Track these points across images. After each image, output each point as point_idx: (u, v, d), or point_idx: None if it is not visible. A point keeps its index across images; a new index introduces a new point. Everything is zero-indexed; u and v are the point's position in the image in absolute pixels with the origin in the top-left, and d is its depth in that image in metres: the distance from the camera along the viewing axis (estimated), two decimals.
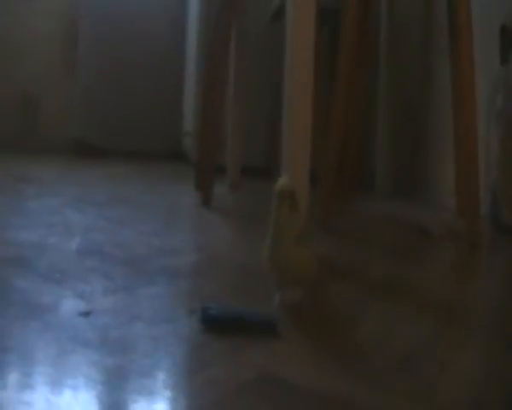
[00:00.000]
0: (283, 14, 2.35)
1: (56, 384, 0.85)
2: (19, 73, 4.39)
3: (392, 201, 2.95)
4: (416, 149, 3.17)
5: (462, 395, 0.90)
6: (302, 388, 0.89)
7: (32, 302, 1.16)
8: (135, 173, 3.29)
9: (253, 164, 3.36)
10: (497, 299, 1.45)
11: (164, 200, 2.45)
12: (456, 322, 1.24)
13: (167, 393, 0.85)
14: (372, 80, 3.21)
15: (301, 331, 1.13)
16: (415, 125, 3.21)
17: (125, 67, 4.32)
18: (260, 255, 1.25)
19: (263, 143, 3.44)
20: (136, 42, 4.33)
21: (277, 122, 3.34)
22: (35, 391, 0.82)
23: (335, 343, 1.08)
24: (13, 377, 0.86)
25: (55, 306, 1.15)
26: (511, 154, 2.29)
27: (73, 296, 1.21)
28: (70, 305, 1.16)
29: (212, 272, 1.45)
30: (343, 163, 2.42)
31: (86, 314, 1.12)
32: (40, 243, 1.62)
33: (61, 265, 1.42)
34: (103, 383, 0.86)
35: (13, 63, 4.39)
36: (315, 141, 2.32)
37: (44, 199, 2.30)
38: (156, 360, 0.95)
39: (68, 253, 1.54)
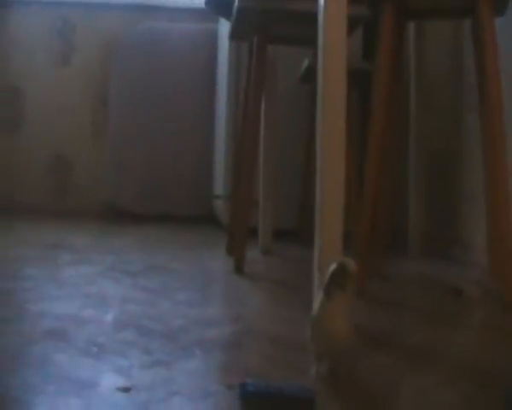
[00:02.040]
0: (313, 75, 2.37)
1: None
2: (52, 136, 4.47)
3: (426, 261, 2.94)
4: (448, 208, 3.17)
5: None
6: None
7: (71, 377, 1.16)
8: (167, 239, 3.31)
9: (285, 227, 3.37)
10: None
11: (197, 267, 2.46)
12: (494, 390, 1.23)
13: None
14: (403, 136, 3.23)
15: (338, 403, 1.13)
16: (446, 182, 3.21)
17: (154, 130, 4.38)
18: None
19: (294, 205, 3.45)
20: (165, 104, 4.39)
21: (309, 185, 3.36)
22: None
23: None
24: None
25: (95, 381, 1.15)
26: None
27: (112, 371, 1.21)
28: (109, 380, 1.17)
29: (249, 345, 1.45)
30: (376, 225, 2.42)
31: (126, 390, 1.12)
32: (76, 315, 1.63)
33: (99, 338, 1.43)
34: None
35: (46, 127, 4.47)
36: (348, 204, 2.33)
37: (78, 268, 2.32)
38: None
39: (105, 325, 1.54)
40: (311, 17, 1.81)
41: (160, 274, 2.27)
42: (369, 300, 2.03)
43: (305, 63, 3.04)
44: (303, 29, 2.57)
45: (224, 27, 3.69)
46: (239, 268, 2.37)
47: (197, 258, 2.68)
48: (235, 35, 2.76)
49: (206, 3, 3.02)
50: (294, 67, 3.41)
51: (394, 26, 2.18)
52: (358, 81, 3.15)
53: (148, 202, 4.33)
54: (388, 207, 2.53)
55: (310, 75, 3.06)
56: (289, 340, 1.51)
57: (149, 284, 2.07)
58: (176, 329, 1.54)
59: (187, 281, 2.17)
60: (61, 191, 4.51)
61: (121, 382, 1.16)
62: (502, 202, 2.02)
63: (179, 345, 1.40)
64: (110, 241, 3.10)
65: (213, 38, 4.39)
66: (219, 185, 3.75)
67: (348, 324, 1.24)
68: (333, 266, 1.24)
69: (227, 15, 2.86)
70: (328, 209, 1.70)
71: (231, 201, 2.92)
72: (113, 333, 1.48)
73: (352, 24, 2.44)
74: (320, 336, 1.23)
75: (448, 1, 2.28)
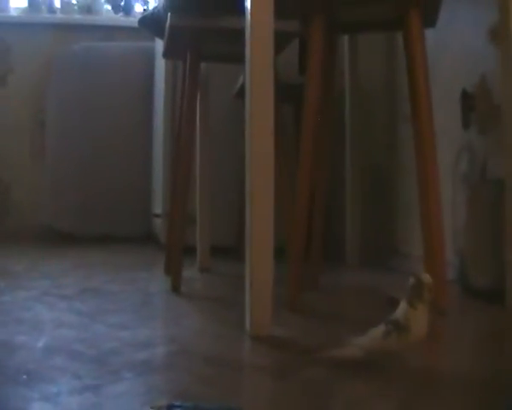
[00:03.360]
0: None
1: None
2: None
3: (364, 271, 2.96)
4: (386, 218, 3.20)
5: None
6: None
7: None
8: (105, 260, 3.28)
9: (224, 244, 3.37)
10: (465, 366, 1.45)
11: (134, 288, 2.44)
12: (425, 392, 1.24)
13: None
14: (339, 149, 3.25)
15: None
16: (383, 193, 3.24)
17: (93, 150, 4.34)
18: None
19: (233, 222, 3.45)
20: (103, 123, 4.36)
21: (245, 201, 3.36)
22: None
23: None
24: None
25: None
26: (477, 218, 2.31)
27: (40, 399, 1.19)
28: (36, 409, 1.15)
29: (182, 365, 1.44)
30: (310, 236, 2.42)
31: None
32: (8, 341, 1.60)
33: (29, 365, 1.40)
34: None
35: None
36: (282, 216, 2.33)
37: (14, 293, 2.29)
38: None
39: (36, 352, 1.52)
40: (243, 34, 1.81)
41: (96, 297, 2.24)
42: (301, 313, 2.03)
43: (240, 80, 3.05)
44: (236, 46, 2.57)
45: (160, 45, 3.68)
46: (176, 288, 2.36)
47: (135, 279, 2.66)
48: (168, 53, 2.76)
49: (140, 23, 3.01)
50: (231, 84, 3.41)
51: (324, 39, 2.20)
52: (293, 95, 3.17)
53: (87, 223, 4.29)
54: (324, 219, 2.53)
55: (244, 91, 3.06)
56: (223, 358, 1.51)
57: (84, 308, 2.05)
58: (107, 352, 1.52)
59: (122, 303, 2.15)
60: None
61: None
62: (433, 212, 2.05)
63: (110, 369, 1.38)
64: (47, 264, 3.06)
65: (150, 56, 4.38)
66: (158, 204, 3.73)
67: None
68: (411, 281, 1.39)
69: (160, 34, 2.86)
70: (258, 224, 1.71)
71: (167, 219, 2.91)
72: (44, 359, 1.46)
73: (283, 40, 2.46)
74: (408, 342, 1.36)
75: (377, 14, 2.30)
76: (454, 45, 2.64)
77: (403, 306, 1.38)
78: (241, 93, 3.12)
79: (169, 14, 2.37)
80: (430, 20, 2.30)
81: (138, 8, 4.80)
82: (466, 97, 2.52)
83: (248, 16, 1.75)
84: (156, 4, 3.33)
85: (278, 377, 1.39)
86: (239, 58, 2.54)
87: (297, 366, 1.45)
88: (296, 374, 1.39)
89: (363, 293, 2.46)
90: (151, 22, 2.94)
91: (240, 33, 1.91)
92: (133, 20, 4.52)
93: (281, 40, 2.37)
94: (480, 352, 1.61)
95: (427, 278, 1.38)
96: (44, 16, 4.58)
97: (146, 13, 3.07)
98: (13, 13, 4.57)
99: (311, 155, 2.15)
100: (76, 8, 4.67)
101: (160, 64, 3.73)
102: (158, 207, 3.72)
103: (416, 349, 1.41)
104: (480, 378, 1.36)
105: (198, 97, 2.76)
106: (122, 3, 4.74)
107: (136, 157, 4.36)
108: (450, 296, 2.04)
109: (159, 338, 1.70)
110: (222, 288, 2.53)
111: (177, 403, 1.11)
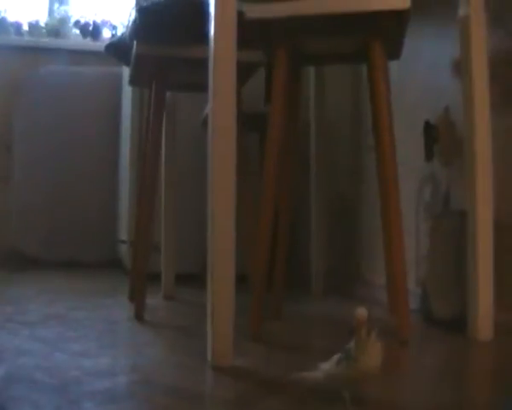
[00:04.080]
0: None
1: None
2: None
3: (326, 299, 2.97)
4: (350, 246, 3.22)
5: None
6: None
7: None
8: (70, 286, 3.26)
9: (189, 271, 3.36)
10: (426, 397, 1.46)
11: (98, 315, 2.43)
12: None
13: None
14: (304, 177, 3.27)
15: None
16: (347, 221, 3.26)
17: (59, 175, 4.32)
18: None
19: (198, 249, 3.45)
20: (70, 148, 4.34)
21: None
22: None
23: None
24: None
25: None
26: (439, 248, 2.34)
27: None
28: None
29: (144, 395, 1.44)
30: (273, 265, 2.43)
31: None
32: None
33: None
34: None
35: None
36: (245, 245, 2.34)
37: None
38: None
39: None
40: (207, 64, 1.82)
41: (59, 324, 2.23)
42: (263, 343, 2.04)
43: (207, 108, 3.05)
44: (201, 75, 2.58)
45: (128, 72, 3.69)
46: (139, 315, 2.35)
47: (99, 306, 2.64)
48: (134, 81, 2.77)
49: (106, 49, 3.02)
50: (198, 113, 3.42)
51: (288, 70, 2.22)
52: (259, 125, 3.18)
53: (52, 249, 4.26)
54: (287, 246, 2.54)
55: None
56: (185, 389, 1.51)
57: (46, 335, 2.04)
58: (68, 381, 1.51)
59: (86, 330, 2.14)
60: None
61: None
62: (395, 241, 2.07)
63: (70, 398, 1.38)
64: (11, 290, 3.04)
65: (118, 81, 4.37)
66: (123, 230, 3.72)
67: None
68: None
69: (126, 61, 2.87)
70: (220, 252, 1.71)
71: (132, 245, 2.91)
72: (4, 389, 1.45)
73: (248, 70, 2.48)
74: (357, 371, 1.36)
75: (341, 45, 2.32)
76: (418, 77, 2.68)
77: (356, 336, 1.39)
78: (206, 123, 3.13)
79: (135, 42, 2.38)
80: (394, 52, 2.33)
81: (107, 33, 4.80)
82: (429, 129, 2.56)
83: (212, 46, 1.77)
84: (123, 31, 3.35)
85: (239, 408, 1.39)
86: (205, 87, 2.56)
87: (258, 397, 1.45)
88: (257, 405, 1.39)
89: (326, 322, 2.47)
90: (117, 49, 2.95)
91: (205, 62, 1.93)
92: (101, 45, 4.49)
93: (245, 70, 2.39)
94: (440, 383, 1.62)
95: (359, 313, 1.38)
96: (12, 38, 4.56)
97: (113, 39, 3.09)
98: None
99: (273, 182, 2.16)
100: (44, 31, 4.66)
101: (128, 90, 3.73)
102: (123, 234, 3.71)
103: (374, 379, 1.42)
104: (440, 408, 1.38)
105: (164, 125, 2.77)
106: (90, 28, 4.74)
107: (103, 183, 4.34)
108: (412, 326, 2.06)
109: (120, 367, 1.69)
110: (186, 316, 2.53)
111: None
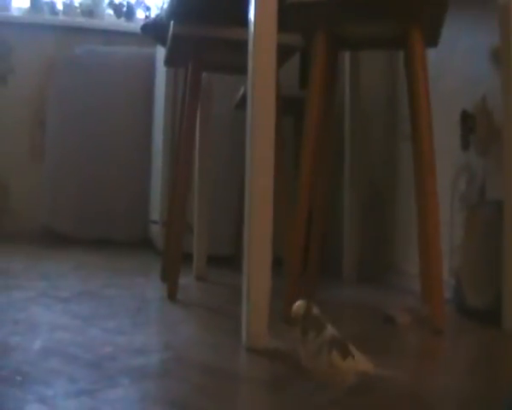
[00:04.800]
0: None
1: None
2: None
3: (359, 286, 2.96)
4: (383, 234, 3.21)
5: None
6: None
7: None
8: (102, 264, 3.28)
9: (221, 253, 3.37)
10: (458, 386, 1.45)
11: (130, 293, 2.44)
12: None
13: None
14: (338, 165, 3.26)
15: None
16: (381, 209, 3.25)
17: (92, 153, 4.35)
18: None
19: (231, 231, 3.46)
20: (103, 127, 4.36)
21: (244, 210, 3.37)
22: None
23: None
24: None
25: None
26: (474, 238, 2.32)
27: (35, 401, 1.20)
28: None
29: (177, 373, 1.44)
30: (308, 250, 2.43)
31: None
32: (3, 342, 1.61)
33: (24, 366, 1.41)
34: None
35: None
36: (280, 228, 2.34)
37: (10, 293, 2.29)
38: None
39: (31, 353, 1.52)
40: (245, 45, 1.82)
41: (92, 300, 2.25)
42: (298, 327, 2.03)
43: (242, 91, 3.06)
44: (238, 57, 2.59)
45: (161, 52, 3.70)
46: (172, 295, 2.36)
47: (131, 284, 2.66)
48: (169, 62, 2.77)
49: (142, 29, 3.02)
50: (232, 95, 3.42)
51: (326, 55, 2.21)
52: (293, 109, 3.18)
53: (84, 227, 4.29)
54: (322, 233, 2.55)
55: (245, 103, 3.07)
56: (219, 368, 1.51)
57: (80, 311, 2.05)
58: (103, 357, 1.52)
59: (118, 308, 2.15)
60: None
61: None
62: (431, 230, 2.06)
63: (105, 374, 1.39)
64: (44, 266, 3.07)
65: (151, 62, 4.39)
66: (155, 210, 3.74)
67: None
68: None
69: (162, 42, 2.87)
70: (257, 235, 1.71)
71: (165, 226, 2.92)
72: (39, 361, 1.46)
73: (285, 53, 2.47)
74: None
75: (380, 31, 2.31)
76: (455, 66, 2.65)
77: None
78: (241, 104, 3.13)
79: (172, 22, 2.38)
80: (432, 39, 2.32)
81: (140, 13, 4.81)
82: (466, 118, 2.54)
83: (252, 28, 1.76)
84: (159, 11, 3.34)
85: (274, 389, 1.39)
86: (241, 69, 2.57)
87: (293, 378, 1.45)
88: (293, 386, 1.39)
89: (358, 309, 2.46)
90: (154, 29, 2.95)
91: (243, 44, 1.92)
92: (135, 26, 4.53)
93: (283, 53, 2.38)
94: (474, 373, 1.62)
95: (294, 307, 1.30)
96: (46, 18, 4.58)
97: (149, 20, 3.08)
98: (15, 12, 4.57)
99: (311, 168, 2.16)
100: (78, 10, 4.67)
101: (161, 71, 3.74)
102: (155, 214, 3.73)
103: (409, 369, 1.41)
104: (473, 399, 1.37)
105: (199, 107, 2.77)
106: (124, 9, 4.75)
107: (136, 162, 4.37)
108: (446, 316, 2.05)
109: (154, 345, 1.70)
110: (218, 297, 2.53)
111: None
